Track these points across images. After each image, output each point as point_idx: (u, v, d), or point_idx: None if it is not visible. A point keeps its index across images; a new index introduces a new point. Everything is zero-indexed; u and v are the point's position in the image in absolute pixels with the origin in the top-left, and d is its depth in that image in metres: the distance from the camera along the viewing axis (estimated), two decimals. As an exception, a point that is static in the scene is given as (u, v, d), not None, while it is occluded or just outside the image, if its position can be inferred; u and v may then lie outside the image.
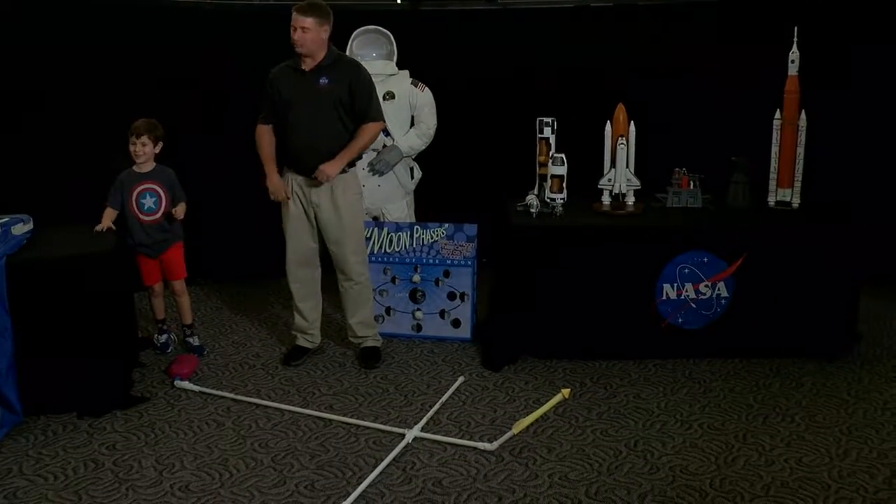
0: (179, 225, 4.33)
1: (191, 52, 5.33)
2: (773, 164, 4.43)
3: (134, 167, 4.22)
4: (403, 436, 3.44)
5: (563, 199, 4.29)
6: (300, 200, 4.13)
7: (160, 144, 4.23)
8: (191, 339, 4.46)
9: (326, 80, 3.96)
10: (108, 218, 4.11)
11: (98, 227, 4.03)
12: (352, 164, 4.11)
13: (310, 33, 3.88)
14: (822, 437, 3.47)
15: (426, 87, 4.80)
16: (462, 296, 4.60)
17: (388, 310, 4.67)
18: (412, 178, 4.96)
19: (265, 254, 5.49)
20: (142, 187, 4.20)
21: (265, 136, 4.15)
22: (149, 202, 4.22)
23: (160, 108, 4.74)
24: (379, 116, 4.08)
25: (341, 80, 3.97)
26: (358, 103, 3.99)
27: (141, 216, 4.21)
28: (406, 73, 4.83)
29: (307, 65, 3.98)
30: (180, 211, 4.24)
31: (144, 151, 4.17)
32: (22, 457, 3.35)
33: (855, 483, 3.11)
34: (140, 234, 4.23)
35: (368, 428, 3.58)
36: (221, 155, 5.50)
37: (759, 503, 3.00)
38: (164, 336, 4.47)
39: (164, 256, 4.33)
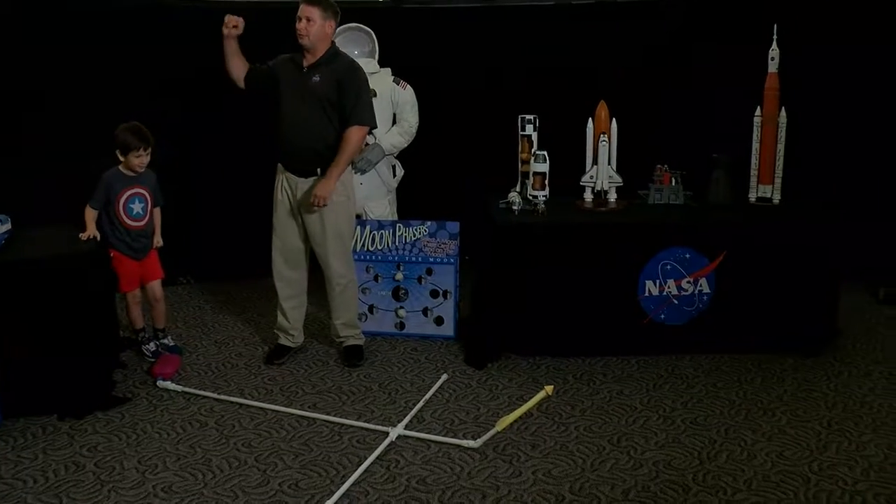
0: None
1: (178, 51, 5.26)
2: (754, 161, 4.47)
3: (121, 168, 4.12)
4: (387, 434, 3.44)
5: (545, 196, 4.30)
6: (288, 198, 4.11)
7: None
8: (165, 342, 4.39)
9: (318, 78, 3.94)
10: (91, 221, 4.00)
11: (83, 235, 3.91)
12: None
13: (314, 25, 3.85)
14: (802, 430, 3.51)
15: (408, 85, 4.80)
16: (445, 293, 4.60)
17: (370, 308, 4.66)
18: (394, 175, 4.95)
19: (247, 253, 5.46)
20: (131, 192, 4.13)
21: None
22: (137, 207, 4.15)
23: (141, 106, 4.71)
24: (364, 120, 3.97)
25: (332, 78, 3.93)
26: (343, 101, 3.94)
27: (129, 222, 4.14)
28: (388, 70, 4.82)
29: (307, 60, 3.96)
30: (158, 240, 4.31)
31: (147, 160, 4.11)
32: (0, 460, 3.31)
33: (834, 476, 3.15)
34: (126, 238, 4.16)
35: (352, 426, 3.58)
36: (205, 155, 5.46)
37: (741, 497, 3.02)
38: (152, 344, 4.34)
39: (146, 260, 4.29)
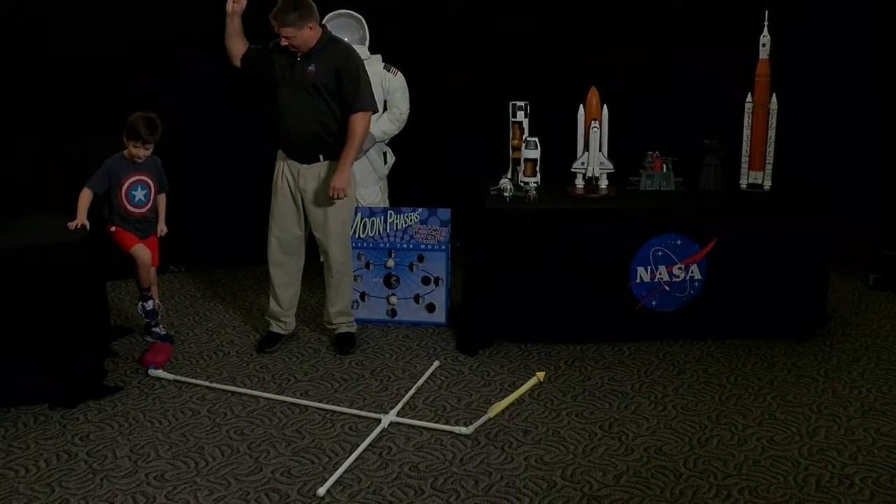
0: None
1: (171, 38, 5.21)
2: (745, 147, 4.48)
3: (124, 154, 4.11)
4: (379, 421, 3.45)
5: (536, 182, 4.30)
6: (288, 186, 4.10)
7: None
8: (157, 330, 4.39)
9: (314, 67, 3.91)
10: (84, 207, 3.95)
11: (72, 224, 3.87)
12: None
13: (298, 38, 3.82)
14: (792, 415, 3.53)
15: (398, 72, 4.77)
16: (436, 280, 4.60)
17: (362, 295, 4.66)
18: (385, 162, 4.94)
19: (238, 241, 5.47)
20: (134, 178, 4.12)
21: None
22: (139, 194, 4.15)
23: (134, 91, 4.67)
24: (366, 105, 3.97)
25: (329, 66, 3.91)
26: (344, 90, 3.92)
27: (131, 208, 4.14)
28: (378, 57, 4.80)
29: (301, 52, 3.93)
30: (162, 227, 4.33)
31: (147, 153, 4.11)
32: (-7, 449, 3.32)
33: (824, 460, 3.18)
34: (127, 223, 4.18)
35: (344, 414, 3.58)
36: (199, 141, 5.42)
37: (732, 482, 3.04)
38: (150, 302, 4.29)
39: (147, 241, 4.28)
